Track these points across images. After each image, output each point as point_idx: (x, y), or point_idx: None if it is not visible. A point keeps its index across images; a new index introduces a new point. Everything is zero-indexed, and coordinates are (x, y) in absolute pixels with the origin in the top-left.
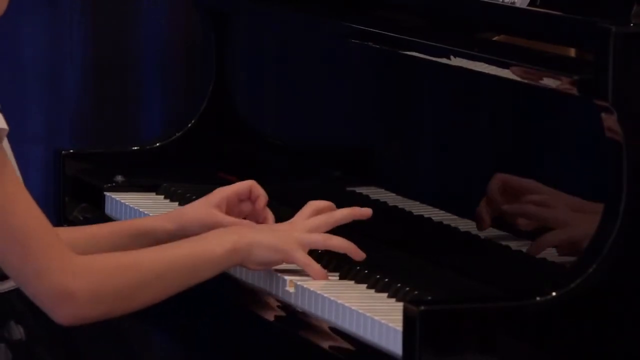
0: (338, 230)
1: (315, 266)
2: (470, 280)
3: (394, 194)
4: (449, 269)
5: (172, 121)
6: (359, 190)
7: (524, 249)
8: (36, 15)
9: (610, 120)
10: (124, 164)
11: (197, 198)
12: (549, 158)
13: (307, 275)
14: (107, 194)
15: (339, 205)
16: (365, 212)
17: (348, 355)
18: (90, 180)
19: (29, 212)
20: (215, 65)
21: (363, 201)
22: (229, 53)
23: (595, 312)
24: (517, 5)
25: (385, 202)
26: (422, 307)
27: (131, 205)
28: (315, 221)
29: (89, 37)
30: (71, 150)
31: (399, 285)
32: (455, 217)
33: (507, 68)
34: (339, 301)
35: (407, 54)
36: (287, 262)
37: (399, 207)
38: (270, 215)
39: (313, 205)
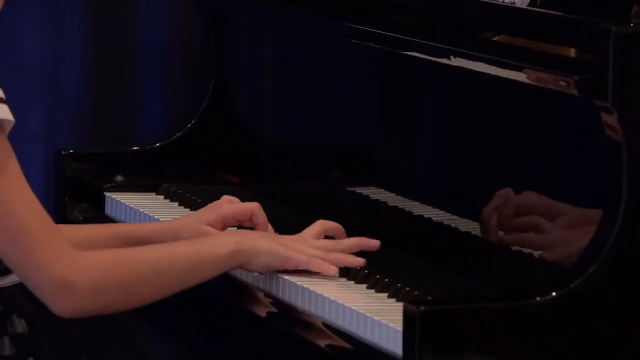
0: None
1: (317, 260)
2: (470, 280)
3: (393, 194)
4: (449, 269)
5: (172, 121)
6: (359, 190)
7: (524, 249)
8: (36, 15)
9: (610, 120)
10: (124, 164)
11: (196, 198)
12: (548, 158)
13: (307, 275)
14: (107, 194)
15: (339, 205)
16: (374, 243)
17: (348, 355)
18: (90, 180)
19: (30, 206)
20: (215, 65)
21: (363, 201)
22: (229, 53)
23: (595, 312)
24: (517, 5)
25: (385, 202)
26: (422, 307)
27: (131, 206)
28: (322, 243)
29: (89, 37)
30: (71, 150)
31: (399, 285)
32: (455, 217)
33: (507, 68)
34: (339, 301)
35: (407, 54)
36: (289, 267)
37: (399, 207)
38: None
39: (323, 223)
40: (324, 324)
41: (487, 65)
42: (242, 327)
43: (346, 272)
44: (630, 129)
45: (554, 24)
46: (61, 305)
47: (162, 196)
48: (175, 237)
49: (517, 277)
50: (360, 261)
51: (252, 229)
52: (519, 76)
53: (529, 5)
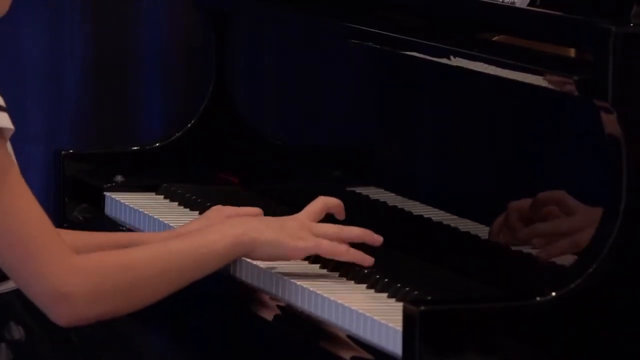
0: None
1: (325, 242)
2: (470, 280)
3: (393, 194)
4: (448, 269)
5: (172, 121)
6: (358, 190)
7: (524, 249)
8: (36, 15)
9: (610, 120)
10: (123, 164)
11: (196, 198)
12: (548, 158)
13: (307, 276)
14: (107, 194)
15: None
16: (377, 239)
17: (347, 355)
18: (90, 180)
19: (30, 215)
20: (215, 65)
21: (363, 201)
22: (229, 53)
23: (595, 312)
24: (517, 5)
25: (384, 202)
26: (422, 307)
27: (131, 205)
28: (324, 228)
29: (89, 37)
30: (71, 151)
31: (398, 285)
32: (455, 217)
33: (507, 68)
34: (339, 301)
35: (407, 54)
36: (297, 258)
37: (399, 207)
38: None
39: (324, 200)
40: (323, 323)
41: (486, 65)
42: (242, 327)
43: (346, 272)
44: (630, 128)
45: (553, 24)
46: (59, 315)
47: (162, 196)
48: None
49: (517, 277)
50: (370, 260)
51: None
52: (519, 76)
53: (529, 5)
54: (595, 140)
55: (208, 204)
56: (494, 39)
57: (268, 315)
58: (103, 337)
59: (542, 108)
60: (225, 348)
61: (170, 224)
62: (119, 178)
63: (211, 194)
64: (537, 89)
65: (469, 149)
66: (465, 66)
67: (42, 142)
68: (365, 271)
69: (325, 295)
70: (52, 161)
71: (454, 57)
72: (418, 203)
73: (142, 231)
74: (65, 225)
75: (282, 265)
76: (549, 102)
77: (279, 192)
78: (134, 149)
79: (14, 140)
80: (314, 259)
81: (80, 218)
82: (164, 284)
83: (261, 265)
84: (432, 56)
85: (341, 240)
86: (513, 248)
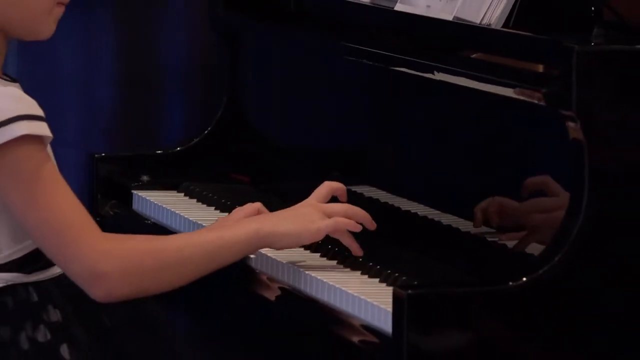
0: None
1: (341, 219)
2: (452, 267)
3: (384, 192)
4: (433, 258)
5: (191, 128)
6: (354, 188)
7: (499, 240)
8: (71, 32)
9: (574, 128)
10: (149, 166)
11: (212, 195)
12: (520, 160)
13: (310, 266)
14: (134, 192)
15: (337, 201)
16: (374, 224)
17: (345, 333)
18: (119, 179)
19: (68, 206)
20: (228, 80)
21: (357, 198)
22: (241, 69)
23: (560, 295)
24: (493, 26)
25: (377, 199)
26: (409, 291)
27: (155, 202)
28: (335, 207)
29: (119, 54)
30: (103, 154)
31: (389, 272)
32: (439, 212)
33: (484, 82)
34: (337, 285)
35: (396, 70)
36: (319, 239)
37: (389, 203)
38: None
39: (329, 185)
40: (324, 306)
41: (467, 80)
42: (251, 309)
43: (343, 260)
44: (591, 134)
45: (524, 43)
46: (96, 292)
47: (183, 194)
48: None
49: (493, 264)
50: (373, 224)
51: None
52: (495, 89)
53: (503, 26)
54: (561, 145)
55: (222, 201)
56: (473, 56)
57: (274, 298)
58: (131, 319)
59: (514, 117)
60: (233, 327)
61: (190, 218)
62: (144, 178)
63: (225, 192)
64: (510, 100)
65: (451, 153)
66: (447, 80)
67: (77, 146)
68: (360, 260)
69: (325, 280)
70: (86, 163)
71: (438, 72)
72: (406, 200)
73: (165, 224)
74: (97, 219)
75: (287, 255)
76: (521, 112)
77: (284, 190)
78: (158, 153)
79: (53, 144)
80: (314, 248)
81: (111, 213)
82: (189, 270)
83: (270, 255)
84: (419, 71)
85: (349, 217)
86: (489, 239)
